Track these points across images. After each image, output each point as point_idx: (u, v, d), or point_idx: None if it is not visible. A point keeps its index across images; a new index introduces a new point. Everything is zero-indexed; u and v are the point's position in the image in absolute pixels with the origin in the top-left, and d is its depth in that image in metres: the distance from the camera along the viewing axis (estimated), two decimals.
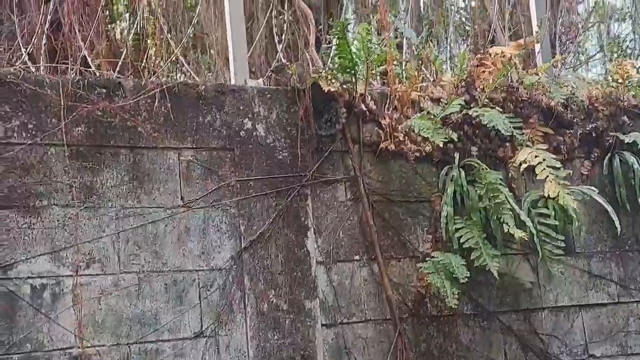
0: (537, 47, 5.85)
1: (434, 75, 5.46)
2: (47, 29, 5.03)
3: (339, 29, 4.72)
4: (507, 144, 5.37)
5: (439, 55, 5.42)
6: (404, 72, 5.11)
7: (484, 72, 5.32)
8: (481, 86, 5.27)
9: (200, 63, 5.51)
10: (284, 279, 4.64)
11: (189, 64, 5.16)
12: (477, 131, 5.28)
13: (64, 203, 4.18)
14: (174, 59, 4.90)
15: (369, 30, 4.70)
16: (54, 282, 4.09)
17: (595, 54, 9.34)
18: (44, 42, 4.82)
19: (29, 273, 4.04)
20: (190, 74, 5.10)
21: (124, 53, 5.09)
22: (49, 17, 5.12)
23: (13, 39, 5.11)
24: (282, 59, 5.32)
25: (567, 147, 5.61)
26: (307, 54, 5.25)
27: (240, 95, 4.74)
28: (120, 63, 4.88)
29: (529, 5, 6.18)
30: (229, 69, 5.21)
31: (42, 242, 4.09)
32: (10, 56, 4.79)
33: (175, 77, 4.64)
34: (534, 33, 5.70)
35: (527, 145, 5.25)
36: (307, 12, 5.41)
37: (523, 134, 5.22)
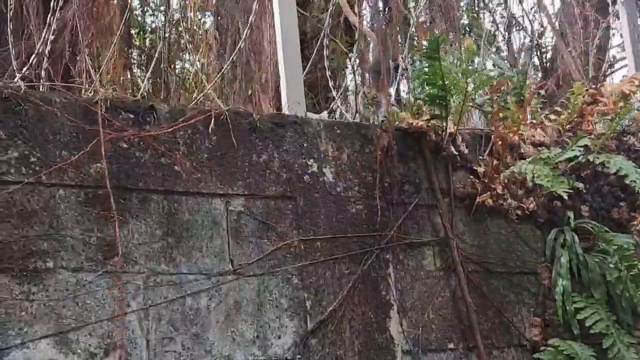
0: None
1: (531, 117, 4.37)
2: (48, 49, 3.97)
3: (431, 46, 3.64)
4: (622, 203, 4.29)
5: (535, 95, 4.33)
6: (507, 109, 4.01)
7: (591, 112, 4.28)
8: (591, 128, 4.22)
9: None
10: None
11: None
12: (587, 186, 4.21)
13: (76, 265, 3.00)
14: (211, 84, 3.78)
15: (473, 49, 3.62)
16: None
17: None
18: (47, 48, 3.70)
19: None
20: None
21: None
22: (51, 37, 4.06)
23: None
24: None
25: None
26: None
27: (302, 129, 3.65)
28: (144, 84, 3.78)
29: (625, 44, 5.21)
30: (276, 97, 4.13)
31: (45, 319, 2.90)
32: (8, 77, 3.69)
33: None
34: None
35: None
36: (372, 37, 4.34)
37: None
